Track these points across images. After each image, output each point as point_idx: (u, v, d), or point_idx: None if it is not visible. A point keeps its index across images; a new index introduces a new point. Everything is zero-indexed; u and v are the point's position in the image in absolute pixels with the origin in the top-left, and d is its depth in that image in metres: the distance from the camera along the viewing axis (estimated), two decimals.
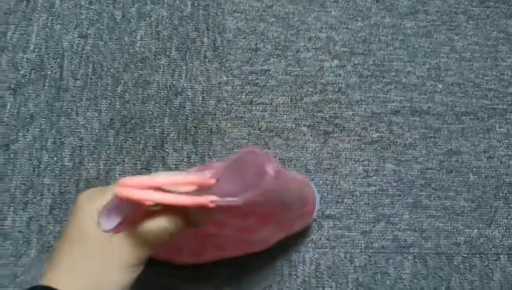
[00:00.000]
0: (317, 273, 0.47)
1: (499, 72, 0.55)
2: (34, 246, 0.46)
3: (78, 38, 0.54)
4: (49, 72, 0.53)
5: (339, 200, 0.49)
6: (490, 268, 0.48)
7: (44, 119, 0.51)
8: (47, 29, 0.54)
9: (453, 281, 0.47)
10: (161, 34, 0.55)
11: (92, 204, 0.32)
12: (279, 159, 0.50)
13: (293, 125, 0.52)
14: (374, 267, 0.47)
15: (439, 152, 0.52)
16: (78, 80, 0.52)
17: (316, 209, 0.47)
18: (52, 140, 0.50)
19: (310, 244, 0.48)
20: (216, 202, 0.30)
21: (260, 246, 0.44)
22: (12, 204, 0.48)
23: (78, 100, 0.52)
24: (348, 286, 0.47)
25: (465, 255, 0.48)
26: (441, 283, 0.47)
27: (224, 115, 0.52)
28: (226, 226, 0.37)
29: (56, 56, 0.53)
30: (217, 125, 0.52)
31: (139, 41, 0.54)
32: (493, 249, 0.49)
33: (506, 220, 0.49)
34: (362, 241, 0.48)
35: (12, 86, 0.52)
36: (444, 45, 0.56)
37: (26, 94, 0.52)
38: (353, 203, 0.49)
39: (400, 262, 0.48)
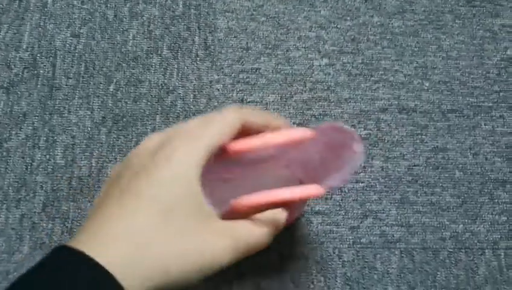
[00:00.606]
0: (306, 268, 0.48)
1: (485, 70, 0.56)
2: (26, 243, 0.47)
3: (71, 38, 0.55)
4: (41, 71, 0.53)
5: (328, 196, 0.50)
6: (475, 263, 0.49)
7: (37, 117, 0.51)
8: (40, 28, 0.55)
9: (439, 275, 0.48)
10: (153, 33, 0.56)
11: (196, 154, 0.27)
12: None
13: None
14: (362, 262, 0.48)
15: (426, 149, 0.53)
16: (71, 78, 0.53)
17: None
18: (45, 138, 0.51)
19: (299, 240, 0.49)
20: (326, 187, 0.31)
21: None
22: (5, 201, 0.48)
23: (70, 99, 0.52)
24: (337, 281, 0.48)
25: (451, 250, 0.49)
26: (427, 277, 0.48)
27: None
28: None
29: (49, 55, 0.54)
30: None
31: (131, 41, 0.55)
32: (478, 244, 0.50)
33: (491, 216, 0.51)
34: (350, 237, 0.49)
35: (5, 85, 0.52)
36: (431, 44, 0.57)
37: (19, 93, 0.52)
38: (341, 200, 0.50)
39: (387, 257, 0.49)
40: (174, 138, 0.29)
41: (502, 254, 0.49)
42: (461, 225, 0.50)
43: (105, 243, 0.25)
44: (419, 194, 0.51)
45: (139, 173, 0.28)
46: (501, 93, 0.55)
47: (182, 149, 0.28)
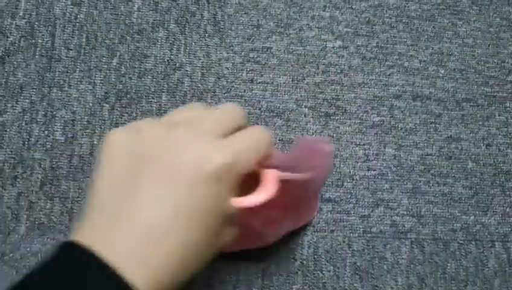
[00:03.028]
0: (316, 256, 0.47)
1: (500, 59, 0.55)
2: (23, 223, 0.45)
3: (71, 6, 0.51)
4: (39, 41, 0.50)
5: (339, 183, 0.49)
6: (485, 255, 0.48)
7: (34, 90, 0.48)
8: None
9: (448, 267, 0.48)
10: (159, 5, 0.53)
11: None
12: (279, 140, 0.49)
13: (294, 106, 0.51)
14: (372, 252, 0.47)
15: (439, 138, 0.51)
16: (71, 50, 0.50)
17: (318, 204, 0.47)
18: (43, 112, 0.48)
19: (308, 228, 0.47)
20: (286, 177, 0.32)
21: (273, 239, 0.43)
22: (0, 179, 0.45)
23: (70, 71, 0.49)
24: (346, 270, 0.46)
25: (461, 242, 0.49)
26: (436, 268, 0.47)
27: (224, 93, 0.50)
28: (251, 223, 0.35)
29: (47, 24, 0.50)
30: (216, 103, 0.50)
31: (136, 12, 0.52)
32: (488, 236, 0.49)
33: (502, 208, 0.50)
34: (361, 226, 0.48)
35: (0, 54, 0.49)
36: (448, 30, 0.55)
37: (15, 63, 0.49)
38: (353, 187, 0.49)
39: (398, 247, 0.48)
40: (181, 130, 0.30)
41: None
42: (472, 217, 0.49)
43: (115, 242, 0.25)
44: (431, 184, 0.50)
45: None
46: None
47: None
